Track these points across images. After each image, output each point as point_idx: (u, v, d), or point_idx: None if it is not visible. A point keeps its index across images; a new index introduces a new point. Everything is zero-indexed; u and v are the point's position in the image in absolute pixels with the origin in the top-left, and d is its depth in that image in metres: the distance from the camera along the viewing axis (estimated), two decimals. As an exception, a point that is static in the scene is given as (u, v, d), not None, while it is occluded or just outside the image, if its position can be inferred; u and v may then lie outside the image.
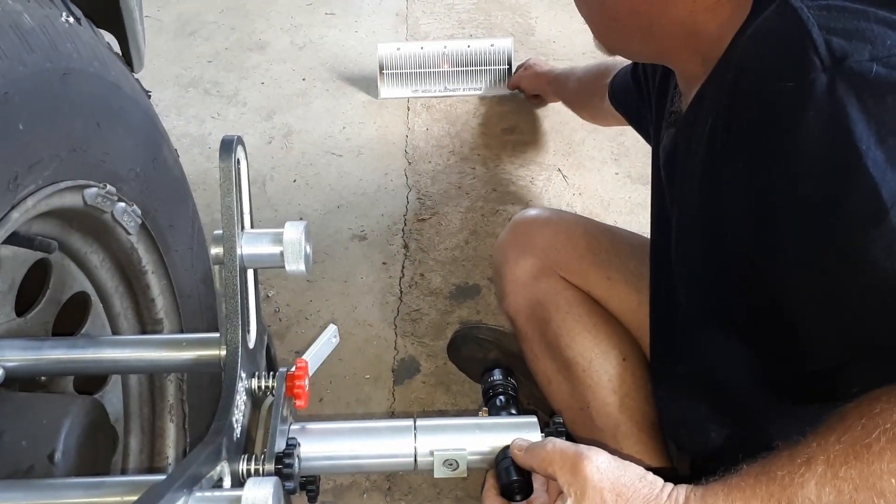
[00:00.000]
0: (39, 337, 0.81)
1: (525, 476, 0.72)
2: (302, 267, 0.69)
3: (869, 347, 0.63)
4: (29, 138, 0.65)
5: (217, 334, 0.76)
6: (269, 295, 1.56)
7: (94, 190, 0.78)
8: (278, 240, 0.69)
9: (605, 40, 0.87)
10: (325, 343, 0.84)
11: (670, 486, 0.65)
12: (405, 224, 1.71)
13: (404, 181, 1.81)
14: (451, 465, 0.74)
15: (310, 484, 0.74)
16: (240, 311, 0.69)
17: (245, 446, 0.70)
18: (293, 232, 0.69)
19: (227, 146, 0.67)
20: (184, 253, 0.99)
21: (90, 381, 0.93)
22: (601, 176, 1.82)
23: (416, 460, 0.74)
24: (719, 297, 0.83)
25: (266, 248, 0.69)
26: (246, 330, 0.71)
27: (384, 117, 1.98)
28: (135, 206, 0.86)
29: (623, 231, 1.21)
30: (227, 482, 0.63)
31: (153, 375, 1.00)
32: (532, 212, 1.24)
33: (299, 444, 0.72)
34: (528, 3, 2.37)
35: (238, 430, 0.68)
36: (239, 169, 0.69)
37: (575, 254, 1.13)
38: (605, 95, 1.39)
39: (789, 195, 0.65)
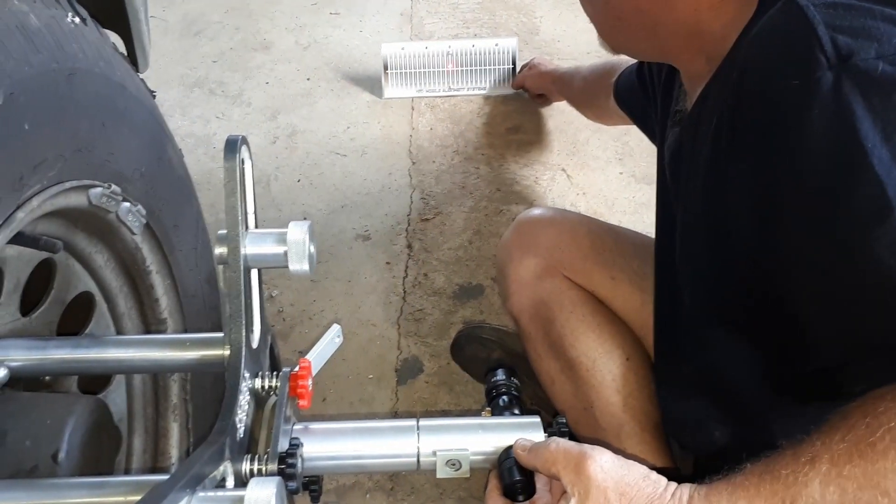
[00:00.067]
0: (44, 336, 0.81)
1: (528, 476, 0.72)
2: (306, 267, 0.69)
3: (871, 346, 0.63)
4: (34, 138, 0.65)
5: (221, 334, 0.76)
6: (273, 295, 1.57)
7: (98, 190, 0.78)
8: (282, 240, 0.69)
9: (610, 39, 0.87)
10: (329, 343, 0.84)
11: (674, 485, 0.65)
12: (409, 224, 1.71)
13: (408, 181, 1.81)
14: (454, 465, 0.74)
15: (313, 484, 0.75)
16: (243, 311, 0.69)
17: (248, 446, 0.70)
18: (297, 232, 0.69)
19: (232, 146, 0.67)
20: (188, 253, 0.99)
21: (94, 380, 0.93)
22: (605, 175, 1.82)
23: (419, 460, 0.74)
24: (723, 296, 0.82)
25: (270, 248, 0.69)
26: (250, 330, 0.72)
27: (388, 117, 1.98)
28: (139, 206, 0.86)
29: (627, 231, 1.21)
30: (230, 482, 0.63)
31: (157, 375, 1.00)
32: (536, 211, 1.24)
33: (302, 444, 0.72)
34: (533, 2, 2.37)
35: (241, 430, 0.68)
36: (243, 169, 0.69)
37: (579, 253, 1.13)
38: (610, 94, 1.39)
39: (794, 193, 0.65)
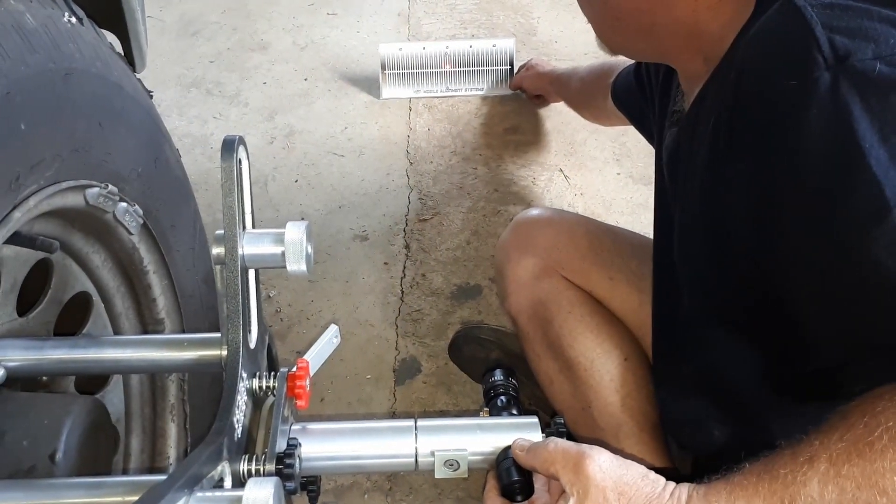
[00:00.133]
0: (41, 337, 0.81)
1: (526, 476, 0.72)
2: (303, 267, 0.69)
3: (870, 346, 0.63)
4: (31, 138, 0.65)
5: (218, 334, 0.76)
6: (271, 295, 1.56)
7: (95, 190, 0.78)
8: (280, 240, 0.69)
9: (608, 40, 0.87)
10: (327, 343, 0.84)
11: (672, 484, 0.65)
12: (407, 224, 1.71)
13: (406, 181, 1.81)
14: (452, 465, 0.74)
15: (311, 484, 0.74)
16: (241, 312, 0.69)
17: (246, 446, 0.70)
18: (295, 232, 0.69)
19: (229, 146, 0.67)
20: (185, 253, 0.99)
21: (91, 381, 0.93)
22: (603, 176, 1.82)
23: (417, 461, 0.74)
24: (722, 297, 0.82)
25: (268, 249, 0.69)
26: (247, 330, 0.71)
27: (386, 117, 1.98)
28: (136, 206, 0.86)
29: (625, 231, 1.21)
30: (227, 482, 0.63)
31: (154, 375, 1.00)
32: (534, 212, 1.24)
33: (300, 445, 0.72)
34: (530, 3, 2.37)
35: (239, 431, 0.68)
36: (241, 169, 0.69)
37: (577, 254, 1.13)
38: (608, 95, 1.39)
39: (792, 193, 0.65)
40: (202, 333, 0.81)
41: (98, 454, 0.76)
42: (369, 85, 2.06)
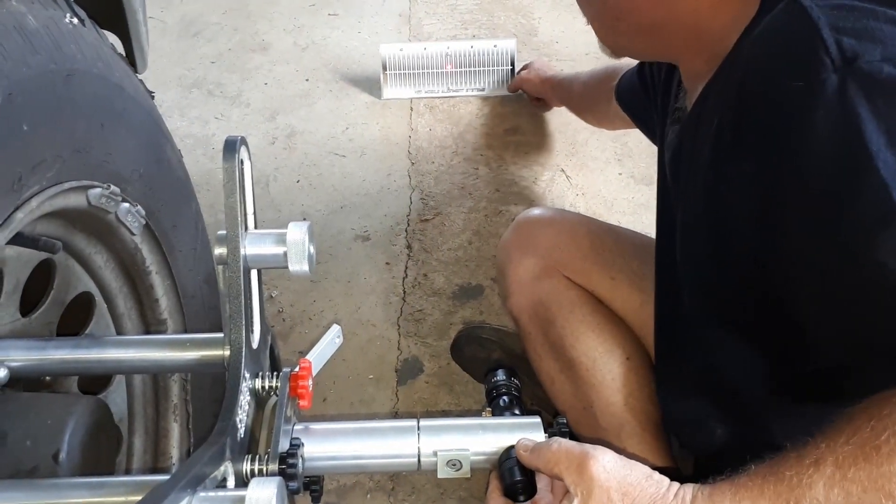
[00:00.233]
0: (44, 337, 0.81)
1: (529, 476, 0.72)
2: (305, 267, 0.69)
3: (874, 348, 0.63)
4: (33, 139, 0.65)
5: (221, 334, 0.76)
6: (273, 295, 1.56)
7: (97, 190, 0.78)
8: (282, 240, 0.69)
9: (609, 41, 0.87)
10: (329, 343, 0.84)
11: (677, 485, 0.65)
12: (408, 224, 1.71)
13: (407, 182, 1.81)
14: (454, 465, 0.74)
15: (313, 484, 0.74)
16: (243, 312, 0.69)
17: (249, 446, 0.70)
18: (297, 232, 0.69)
19: (231, 147, 0.67)
20: (187, 253, 0.99)
21: (94, 381, 0.93)
22: (604, 176, 1.82)
23: (419, 461, 0.74)
24: (724, 296, 0.82)
25: (270, 249, 0.69)
26: (249, 330, 0.71)
27: (387, 118, 1.98)
28: (139, 207, 0.86)
29: (626, 231, 1.21)
30: (230, 482, 0.63)
31: (157, 375, 1.00)
32: (535, 212, 1.24)
33: (303, 445, 0.72)
34: (532, 3, 2.37)
35: (242, 431, 0.68)
36: (242, 169, 0.69)
37: (578, 253, 1.13)
38: (612, 98, 1.39)
39: (797, 194, 0.64)
40: (205, 334, 0.81)
41: (101, 454, 0.76)
42: (370, 85, 2.06)
